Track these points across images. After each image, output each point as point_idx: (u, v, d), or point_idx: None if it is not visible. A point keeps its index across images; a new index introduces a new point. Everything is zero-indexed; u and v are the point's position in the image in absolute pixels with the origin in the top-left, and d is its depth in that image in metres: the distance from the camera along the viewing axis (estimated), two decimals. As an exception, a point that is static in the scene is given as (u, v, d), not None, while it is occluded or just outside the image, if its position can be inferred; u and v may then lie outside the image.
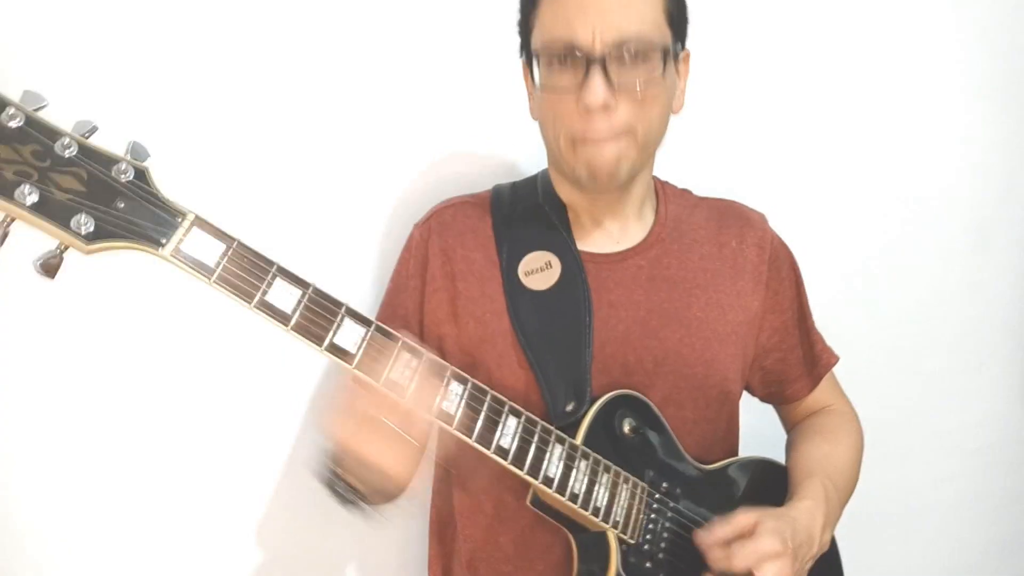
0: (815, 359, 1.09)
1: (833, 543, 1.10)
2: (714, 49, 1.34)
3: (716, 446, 1.01)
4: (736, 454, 1.06)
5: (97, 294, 1.03)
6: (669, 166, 1.07)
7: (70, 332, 1.05)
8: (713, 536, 0.84)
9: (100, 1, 1.00)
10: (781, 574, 0.82)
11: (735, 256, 1.02)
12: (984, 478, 1.68)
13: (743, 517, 0.85)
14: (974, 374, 1.64)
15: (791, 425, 1.14)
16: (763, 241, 1.04)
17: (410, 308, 0.97)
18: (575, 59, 0.83)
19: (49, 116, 0.66)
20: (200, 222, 0.68)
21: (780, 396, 1.11)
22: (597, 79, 0.82)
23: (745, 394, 1.13)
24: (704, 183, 1.10)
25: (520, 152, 1.20)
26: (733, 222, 1.04)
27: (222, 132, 1.07)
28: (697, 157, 1.30)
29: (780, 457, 1.08)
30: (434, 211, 1.02)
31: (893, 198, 1.53)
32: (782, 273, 1.05)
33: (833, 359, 1.11)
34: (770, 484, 1.01)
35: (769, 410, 1.17)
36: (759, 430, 1.11)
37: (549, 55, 0.85)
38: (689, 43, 0.93)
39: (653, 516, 0.89)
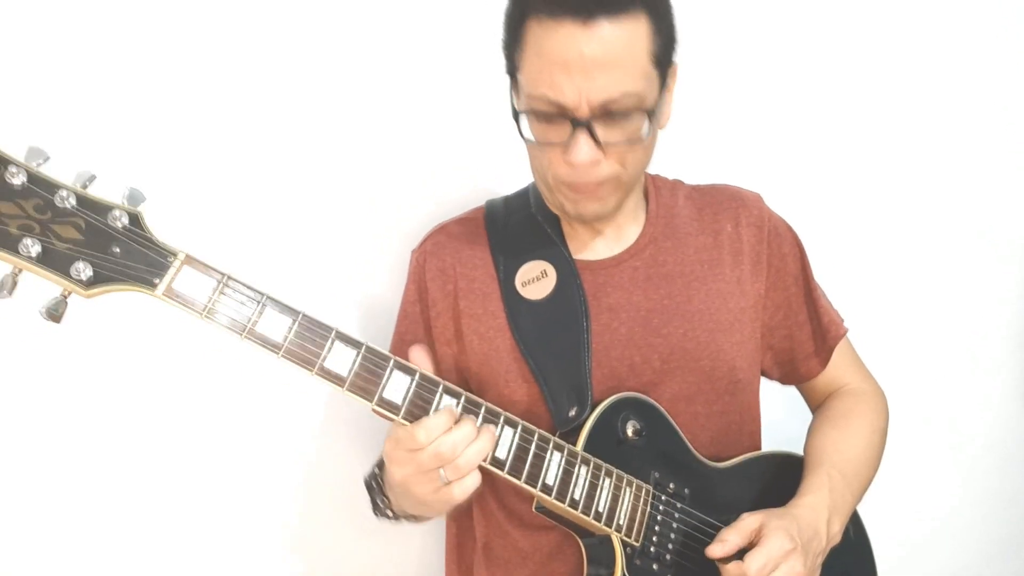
0: (823, 333, 1.05)
1: (865, 538, 1.07)
2: (733, 51, 1.35)
3: (733, 440, 1.00)
4: (758, 448, 1.05)
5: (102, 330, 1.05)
6: (681, 166, 1.08)
7: (80, 367, 1.07)
8: (724, 548, 0.84)
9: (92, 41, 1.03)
10: (793, 571, 0.82)
11: (733, 240, 1.00)
12: (984, 478, 1.66)
13: (747, 521, 0.85)
14: (974, 374, 1.62)
15: (814, 406, 1.11)
16: (760, 220, 1.01)
17: (419, 334, 1.00)
18: (561, 118, 0.81)
19: (51, 168, 0.70)
20: (190, 260, 0.71)
21: (795, 375, 1.08)
22: (583, 140, 0.81)
23: (773, 389, 1.12)
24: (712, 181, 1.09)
25: (509, 164, 1.19)
26: (728, 205, 1.02)
27: (221, 159, 1.10)
28: (713, 156, 1.31)
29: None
30: (429, 235, 1.04)
31: (894, 199, 1.51)
32: (783, 249, 1.02)
33: (841, 331, 1.06)
34: (786, 478, 0.99)
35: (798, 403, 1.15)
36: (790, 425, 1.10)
37: (534, 112, 0.83)
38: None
39: (660, 518, 0.89)
